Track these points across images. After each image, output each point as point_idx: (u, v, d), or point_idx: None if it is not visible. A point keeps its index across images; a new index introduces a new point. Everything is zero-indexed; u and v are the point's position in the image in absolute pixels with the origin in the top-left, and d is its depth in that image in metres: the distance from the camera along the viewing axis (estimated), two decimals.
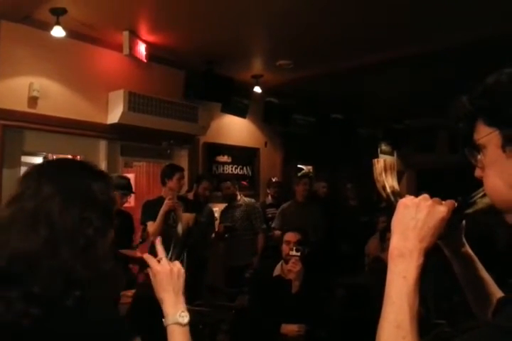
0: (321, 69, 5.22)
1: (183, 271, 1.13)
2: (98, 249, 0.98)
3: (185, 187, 5.03)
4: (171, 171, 4.19)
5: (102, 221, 1.00)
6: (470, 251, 0.96)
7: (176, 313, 1.06)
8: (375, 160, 0.99)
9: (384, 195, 0.97)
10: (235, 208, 5.03)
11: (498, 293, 0.93)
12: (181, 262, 1.18)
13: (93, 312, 0.93)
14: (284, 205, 5.23)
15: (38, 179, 1.01)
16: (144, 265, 1.14)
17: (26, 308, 0.89)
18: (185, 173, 5.05)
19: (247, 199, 5.15)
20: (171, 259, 1.16)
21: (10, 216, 0.97)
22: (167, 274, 1.10)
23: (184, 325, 1.06)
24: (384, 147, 8.04)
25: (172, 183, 4.14)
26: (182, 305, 1.09)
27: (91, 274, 0.94)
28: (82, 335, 0.91)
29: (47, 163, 1.12)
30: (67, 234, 0.95)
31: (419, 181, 8.28)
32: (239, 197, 5.09)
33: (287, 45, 4.55)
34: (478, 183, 0.79)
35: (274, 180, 5.94)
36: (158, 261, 1.13)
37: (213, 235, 5.01)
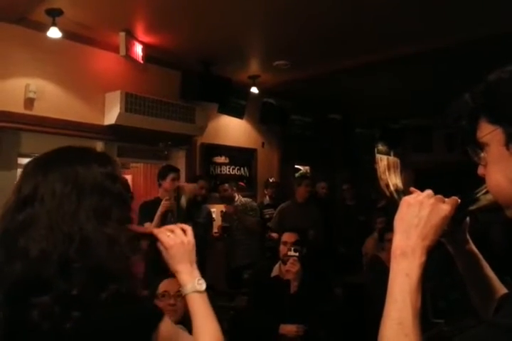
0: (318, 70, 5.22)
1: (193, 241, 1.15)
2: (122, 239, 0.98)
3: None
4: (164, 172, 4.21)
5: (120, 210, 1.01)
6: (474, 248, 0.96)
7: (194, 281, 1.10)
8: (379, 158, 0.99)
9: (387, 193, 0.97)
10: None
11: (502, 290, 0.93)
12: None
13: (127, 303, 0.95)
14: (283, 205, 5.22)
15: (46, 176, 0.98)
16: (153, 240, 1.16)
17: (67, 311, 0.89)
18: (183, 174, 5.06)
19: (243, 199, 5.15)
20: None
21: (27, 219, 0.95)
22: (180, 246, 1.13)
23: (203, 292, 1.10)
24: (380, 147, 8.03)
25: (166, 184, 4.15)
26: (197, 274, 1.12)
27: (121, 266, 0.96)
28: (121, 327, 0.94)
29: (49, 155, 1.09)
30: (92, 231, 0.95)
31: (417, 180, 8.29)
32: (236, 198, 5.10)
33: (284, 45, 4.55)
34: (477, 180, 0.80)
35: (271, 180, 5.93)
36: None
37: (212, 235, 5.02)
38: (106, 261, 0.94)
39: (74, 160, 1.05)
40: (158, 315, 1.00)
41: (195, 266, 1.14)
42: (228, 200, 5.08)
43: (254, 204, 5.27)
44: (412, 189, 0.88)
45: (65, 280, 0.90)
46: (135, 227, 1.27)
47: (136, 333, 0.96)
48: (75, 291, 0.89)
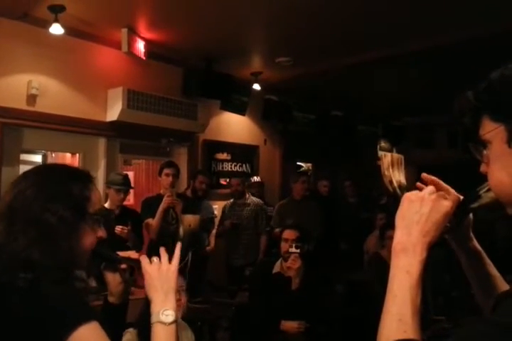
0: (321, 66, 5.21)
1: (173, 269, 1.13)
2: (61, 238, 1.01)
3: (184, 184, 5.03)
4: (160, 168, 4.25)
5: (70, 213, 1.03)
6: (478, 245, 0.95)
7: (160, 312, 1.05)
8: (383, 154, 0.99)
9: (391, 189, 0.97)
10: (243, 206, 4.96)
11: (504, 287, 0.92)
12: (185, 263, 1.19)
13: (44, 294, 0.95)
14: (281, 202, 5.21)
15: (20, 180, 1.08)
16: (138, 266, 1.16)
17: None
18: (184, 171, 5.06)
19: (255, 199, 5.07)
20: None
21: None
22: (154, 274, 1.11)
23: (168, 324, 1.04)
24: (383, 144, 8.04)
25: (161, 179, 4.18)
26: (169, 304, 1.07)
27: (48, 260, 0.98)
28: (30, 313, 0.94)
29: (34, 167, 1.19)
30: (28, 223, 1.00)
31: (420, 177, 8.27)
32: (247, 196, 5.03)
33: (286, 42, 4.53)
34: (480, 178, 0.79)
35: (253, 180, 5.65)
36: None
37: (214, 231, 5.00)
38: (32, 250, 0.98)
39: (53, 172, 1.15)
40: (77, 319, 0.94)
41: (170, 295, 1.09)
42: (239, 196, 5.00)
43: (265, 206, 5.14)
44: (418, 184, 0.88)
45: None
46: (124, 253, 1.26)
47: (42, 328, 0.93)
48: None
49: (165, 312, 1.05)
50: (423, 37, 4.29)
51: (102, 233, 1.15)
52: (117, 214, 3.81)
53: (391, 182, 0.98)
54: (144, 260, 1.14)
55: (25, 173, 1.13)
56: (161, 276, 1.11)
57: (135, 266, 1.20)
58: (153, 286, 1.10)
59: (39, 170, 1.17)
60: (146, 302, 1.14)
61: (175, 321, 1.06)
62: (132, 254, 1.22)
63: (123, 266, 1.26)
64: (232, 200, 5.08)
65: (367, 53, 4.75)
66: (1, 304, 0.95)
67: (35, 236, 0.99)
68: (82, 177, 1.13)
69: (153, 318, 1.05)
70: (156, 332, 1.04)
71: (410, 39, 4.36)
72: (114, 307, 1.29)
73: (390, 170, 0.98)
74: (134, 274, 1.27)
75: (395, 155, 1.00)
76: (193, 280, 3.27)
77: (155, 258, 1.14)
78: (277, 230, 4.60)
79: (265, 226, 4.95)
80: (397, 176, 0.98)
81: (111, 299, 1.29)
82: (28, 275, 0.94)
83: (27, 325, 0.93)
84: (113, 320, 1.28)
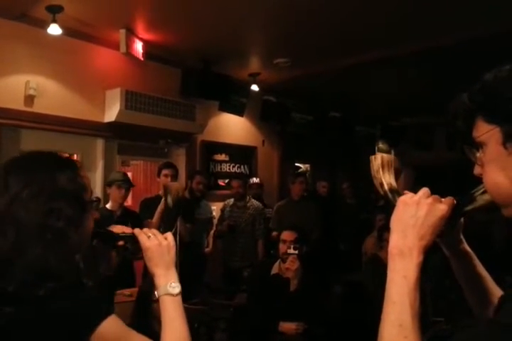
0: (319, 67, 5.21)
1: (172, 243, 1.16)
2: (72, 238, 0.99)
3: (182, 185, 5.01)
4: (159, 169, 4.26)
5: (73, 209, 1.00)
6: (468, 248, 0.96)
7: (167, 284, 1.10)
8: (373, 156, 0.98)
9: (381, 192, 0.97)
10: (243, 209, 4.94)
11: (495, 290, 0.93)
12: (174, 234, 1.21)
13: (66, 301, 0.95)
14: (279, 204, 5.20)
15: (4, 177, 1.01)
16: (134, 241, 1.17)
17: (0, 308, 0.90)
18: (183, 172, 5.05)
19: (255, 202, 5.04)
20: (161, 231, 1.19)
21: None
22: (156, 249, 1.14)
23: (175, 295, 1.10)
24: (381, 145, 8.04)
25: (160, 180, 4.18)
26: (173, 277, 1.12)
27: (65, 266, 0.96)
28: (53, 325, 0.93)
29: (13, 159, 1.10)
30: (36, 231, 0.96)
31: (418, 178, 8.28)
32: (247, 198, 5.01)
33: (285, 43, 4.54)
34: (478, 180, 0.79)
35: (252, 181, 5.58)
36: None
37: (212, 232, 4.98)
38: (48, 258, 0.94)
39: (35, 163, 1.07)
40: (99, 315, 0.97)
41: (172, 269, 1.14)
42: (239, 198, 4.98)
43: (264, 211, 5.11)
44: (405, 192, 0.87)
45: (5, 278, 0.92)
46: (116, 228, 1.26)
47: (69, 332, 0.94)
48: (10, 288, 0.91)
49: (171, 284, 1.10)
50: (422, 37, 4.29)
51: (96, 214, 1.15)
52: (118, 215, 3.80)
53: (382, 184, 0.97)
54: (142, 236, 1.16)
55: (6, 169, 1.03)
56: (163, 251, 1.14)
57: (129, 241, 1.22)
58: (154, 261, 1.13)
59: (22, 164, 1.06)
60: (149, 279, 1.16)
61: (181, 292, 1.11)
62: (125, 229, 1.23)
63: (120, 242, 1.26)
64: (232, 200, 5.06)
65: (365, 54, 4.76)
66: (18, 317, 0.92)
67: (46, 243, 0.95)
68: (69, 165, 1.07)
69: (161, 291, 1.10)
70: (164, 303, 1.09)
71: (408, 40, 4.36)
72: (109, 278, 1.34)
73: (381, 172, 0.97)
74: (128, 249, 1.28)
75: (385, 156, 0.99)
76: (190, 281, 3.26)
77: (150, 233, 1.16)
78: (275, 233, 4.59)
79: (262, 231, 4.92)
80: (388, 178, 0.97)
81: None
82: (49, 284, 0.92)
83: (47, 335, 0.93)
84: (108, 290, 1.38)
